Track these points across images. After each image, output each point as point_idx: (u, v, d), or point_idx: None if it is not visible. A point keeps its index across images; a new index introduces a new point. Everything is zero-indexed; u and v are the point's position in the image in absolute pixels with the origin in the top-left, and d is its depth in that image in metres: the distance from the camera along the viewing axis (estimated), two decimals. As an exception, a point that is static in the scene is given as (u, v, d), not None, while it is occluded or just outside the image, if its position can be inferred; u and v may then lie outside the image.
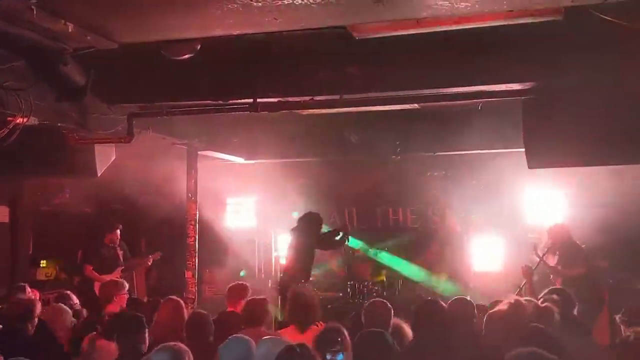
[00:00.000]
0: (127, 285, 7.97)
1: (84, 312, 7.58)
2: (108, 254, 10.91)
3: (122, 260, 11.06)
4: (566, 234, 9.10)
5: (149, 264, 11.59)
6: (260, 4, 4.67)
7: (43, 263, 11.75)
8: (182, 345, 4.53)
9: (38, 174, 9.31)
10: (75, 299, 7.81)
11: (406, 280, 10.95)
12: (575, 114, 7.09)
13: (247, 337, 4.79)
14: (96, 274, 10.59)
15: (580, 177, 9.49)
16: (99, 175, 8.63)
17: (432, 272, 10.88)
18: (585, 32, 6.13)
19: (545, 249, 8.99)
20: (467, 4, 4.81)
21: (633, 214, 9.20)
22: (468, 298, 6.37)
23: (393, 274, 11.27)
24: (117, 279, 8.65)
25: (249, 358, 4.56)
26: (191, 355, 4.46)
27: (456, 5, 4.84)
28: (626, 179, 8.78)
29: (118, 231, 11.06)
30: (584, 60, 6.56)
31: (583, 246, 9.06)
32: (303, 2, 4.66)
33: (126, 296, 7.74)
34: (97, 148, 8.46)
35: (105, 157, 8.69)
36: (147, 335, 5.33)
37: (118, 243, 11.13)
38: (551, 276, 9.02)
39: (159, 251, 11.50)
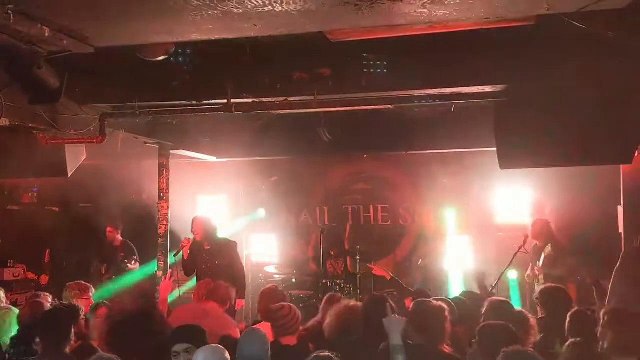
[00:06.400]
0: (93, 290, 7.58)
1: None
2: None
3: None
4: (549, 230, 8.97)
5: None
6: (240, 10, 4.68)
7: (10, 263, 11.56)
8: None
9: (8, 175, 9.23)
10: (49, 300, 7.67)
11: (379, 278, 11.00)
12: (546, 116, 7.22)
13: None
14: None
15: (548, 177, 9.64)
16: (69, 175, 8.58)
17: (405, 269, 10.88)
18: (555, 37, 6.26)
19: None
20: (444, 11, 4.88)
21: (597, 213, 9.37)
22: None
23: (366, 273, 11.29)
24: (82, 282, 7.85)
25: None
26: None
27: (434, 13, 4.91)
28: (591, 180, 8.96)
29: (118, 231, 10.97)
30: (554, 65, 6.69)
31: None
32: (283, 9, 4.68)
33: (91, 301, 7.27)
34: (68, 148, 8.39)
35: (76, 157, 8.63)
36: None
37: (119, 243, 10.99)
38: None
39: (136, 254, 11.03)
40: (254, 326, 6.58)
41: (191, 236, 9.29)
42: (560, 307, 6.14)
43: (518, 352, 4.14)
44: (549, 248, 8.82)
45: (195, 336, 4.84)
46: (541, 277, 8.66)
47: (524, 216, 10.16)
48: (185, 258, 9.27)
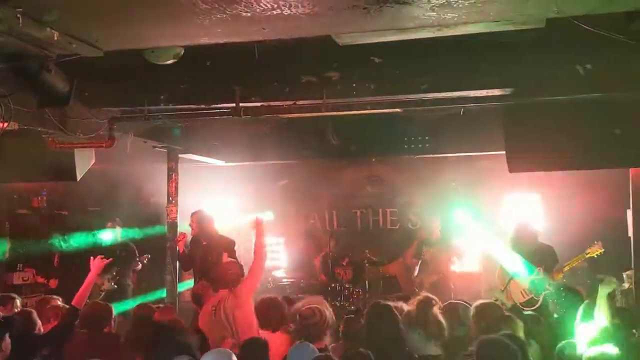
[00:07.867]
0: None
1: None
2: None
3: None
4: (532, 235, 8.60)
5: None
6: (249, 13, 4.66)
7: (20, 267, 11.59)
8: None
9: (17, 179, 9.26)
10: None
11: (388, 282, 10.99)
12: (555, 119, 7.22)
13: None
14: None
15: (557, 181, 9.61)
16: (78, 179, 8.61)
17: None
18: (565, 40, 6.24)
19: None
20: (453, 14, 4.85)
21: (606, 217, 9.32)
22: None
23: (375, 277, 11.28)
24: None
25: None
26: None
27: (443, 16, 4.88)
28: (600, 183, 8.92)
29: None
30: (563, 68, 6.67)
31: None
32: (292, 13, 4.66)
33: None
34: (77, 152, 8.44)
35: (85, 161, 8.67)
36: None
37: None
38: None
39: (147, 254, 11.06)
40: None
41: (188, 230, 9.43)
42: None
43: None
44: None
45: (190, 347, 4.81)
46: None
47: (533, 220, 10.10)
48: (181, 252, 9.34)
